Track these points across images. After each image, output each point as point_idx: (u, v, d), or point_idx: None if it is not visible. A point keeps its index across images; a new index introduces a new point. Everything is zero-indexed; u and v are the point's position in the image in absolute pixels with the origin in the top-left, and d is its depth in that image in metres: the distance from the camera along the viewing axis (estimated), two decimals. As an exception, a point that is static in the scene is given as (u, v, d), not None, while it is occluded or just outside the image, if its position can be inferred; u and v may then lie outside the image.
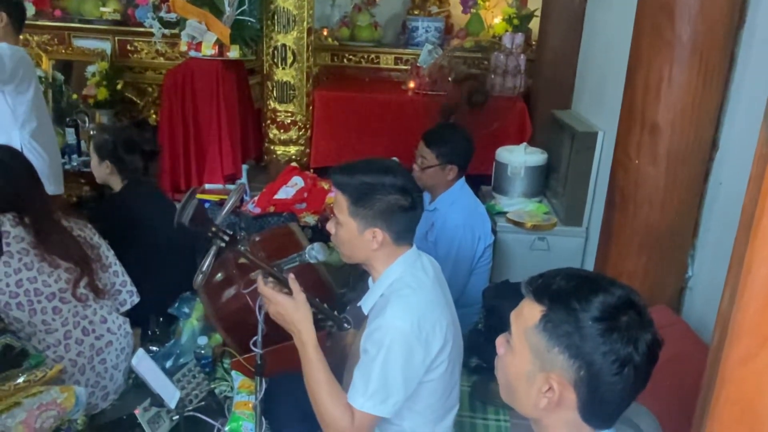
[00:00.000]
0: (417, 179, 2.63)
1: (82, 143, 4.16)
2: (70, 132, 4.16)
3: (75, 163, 4.04)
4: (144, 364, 1.96)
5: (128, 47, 4.70)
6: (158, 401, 1.97)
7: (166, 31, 4.44)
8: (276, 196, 3.64)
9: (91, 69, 4.47)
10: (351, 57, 5.04)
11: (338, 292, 2.67)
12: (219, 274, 2.51)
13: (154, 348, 2.46)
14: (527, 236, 3.35)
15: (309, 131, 4.23)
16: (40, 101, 3.02)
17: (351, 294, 2.82)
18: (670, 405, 1.78)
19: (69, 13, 4.72)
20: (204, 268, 1.59)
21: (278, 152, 4.22)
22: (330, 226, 1.68)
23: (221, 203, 3.58)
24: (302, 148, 4.22)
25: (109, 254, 2.37)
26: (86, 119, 4.38)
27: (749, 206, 0.94)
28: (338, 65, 5.07)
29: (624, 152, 2.13)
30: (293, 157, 4.20)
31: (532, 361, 1.02)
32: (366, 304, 1.70)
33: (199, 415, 2.09)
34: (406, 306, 1.54)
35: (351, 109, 4.28)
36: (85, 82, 4.50)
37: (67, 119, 4.24)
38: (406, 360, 1.51)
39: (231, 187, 4.09)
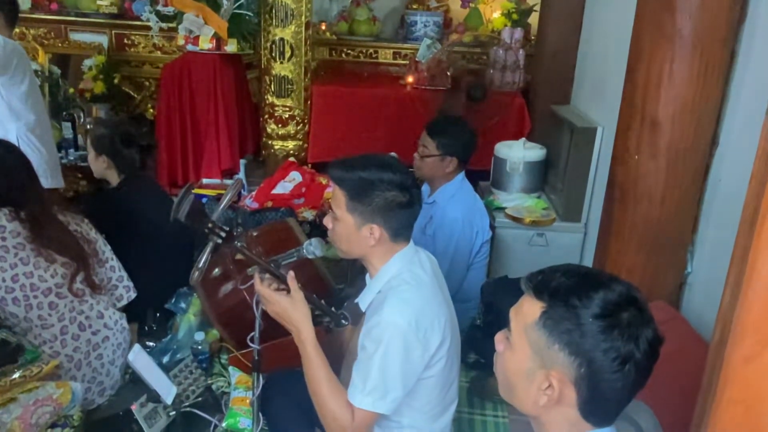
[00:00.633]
0: (416, 168, 2.64)
1: (79, 137, 4.13)
2: (66, 126, 4.14)
3: (72, 158, 4.02)
4: (140, 360, 1.95)
5: (125, 41, 4.68)
6: (154, 397, 1.96)
7: (164, 25, 4.41)
8: (274, 191, 3.63)
9: (87, 63, 4.44)
10: (349, 51, 5.02)
11: (336, 288, 2.66)
12: (216, 270, 2.50)
13: (151, 343, 2.45)
14: (526, 232, 3.35)
15: (307, 126, 4.21)
16: (36, 94, 3.00)
17: (349, 289, 2.81)
18: (669, 401, 1.77)
19: (65, 7, 4.70)
20: (200, 265, 1.57)
21: (276, 147, 4.20)
22: (327, 221, 1.67)
23: (219, 198, 3.57)
24: (300, 143, 4.21)
25: (105, 249, 2.36)
26: (82, 114, 4.35)
27: (751, 204, 0.93)
28: (336, 60, 5.05)
29: (624, 148, 2.11)
30: (291, 152, 4.18)
31: (531, 358, 1.01)
32: (363, 300, 1.69)
33: (195, 410, 2.08)
34: (404, 303, 1.53)
35: (349, 104, 4.26)
36: (82, 76, 4.47)
37: (64, 113, 4.22)
38: (405, 356, 1.50)
39: (228, 182, 4.08)
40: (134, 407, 1.93)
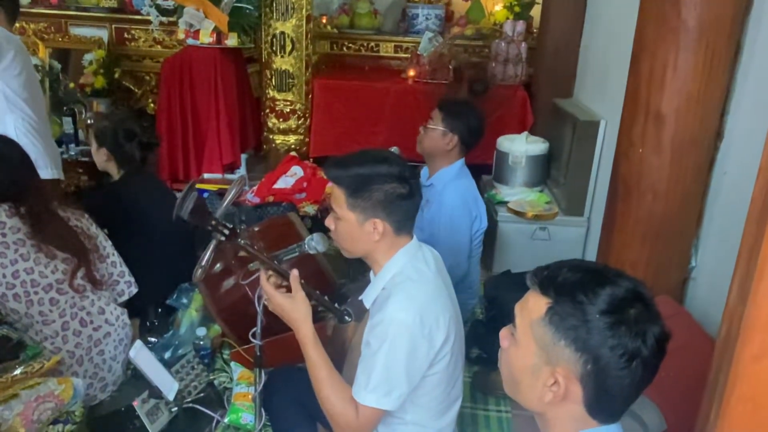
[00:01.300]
0: (418, 142, 2.67)
1: (80, 132, 4.12)
2: (67, 121, 4.13)
3: (72, 153, 4.01)
4: (142, 356, 1.95)
5: (125, 35, 4.66)
6: (156, 393, 1.95)
7: (164, 19, 4.38)
8: (275, 186, 3.61)
9: (88, 57, 4.42)
10: (350, 45, 4.99)
11: (338, 283, 2.65)
12: (218, 265, 2.49)
13: (153, 339, 2.44)
14: (528, 226, 3.33)
15: (308, 120, 4.20)
16: (33, 87, 2.99)
17: (351, 284, 2.80)
18: (673, 396, 1.77)
19: (65, 1, 4.67)
20: (203, 263, 1.56)
21: (277, 141, 4.18)
22: (329, 222, 1.64)
23: (220, 193, 3.56)
24: (301, 137, 4.19)
25: (106, 244, 2.35)
26: (84, 109, 4.34)
27: (758, 198, 0.92)
28: (338, 53, 5.02)
29: (627, 141, 2.10)
30: (292, 146, 4.17)
31: (537, 354, 1.00)
32: (367, 297, 1.67)
33: (197, 406, 2.07)
34: (409, 299, 1.52)
35: (350, 98, 4.24)
36: (83, 71, 4.46)
37: (65, 108, 4.21)
38: (410, 353, 1.49)
39: (230, 176, 4.06)
40: (136, 403, 1.93)
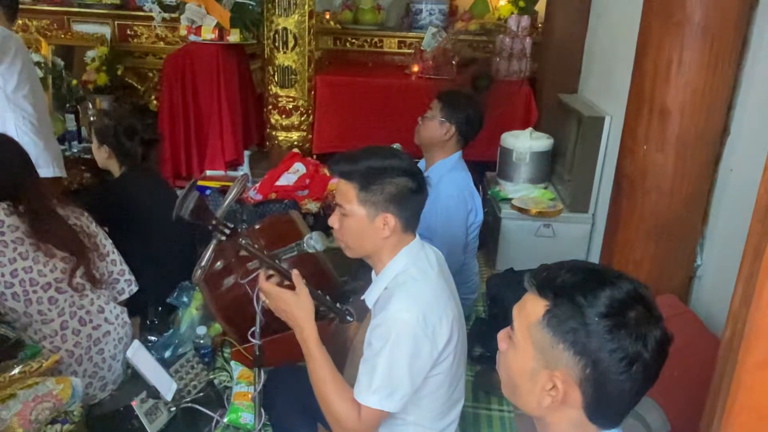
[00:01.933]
0: (416, 132, 2.67)
1: (83, 130, 4.12)
2: (70, 118, 4.12)
3: (75, 150, 4.00)
4: (139, 356, 1.93)
5: (128, 32, 4.65)
6: (154, 393, 1.94)
7: (166, 15, 4.38)
8: (277, 183, 3.60)
9: (90, 54, 4.41)
10: (354, 41, 4.96)
11: (340, 281, 2.63)
12: (218, 263, 2.47)
13: (153, 338, 2.43)
14: (532, 223, 3.31)
15: (311, 117, 4.17)
16: (34, 85, 2.98)
17: (353, 282, 2.78)
18: (677, 396, 1.74)
19: (68, -3, 4.67)
20: (203, 263, 1.54)
21: (280, 138, 4.16)
22: (333, 221, 1.60)
23: (223, 190, 3.55)
24: (304, 133, 4.17)
25: (106, 243, 2.34)
26: (91, 105, 4.33)
27: (765, 196, 0.89)
28: (341, 49, 4.99)
29: (632, 138, 2.06)
30: (295, 143, 4.15)
31: (535, 357, 0.98)
32: (369, 297, 1.65)
33: (197, 406, 2.06)
34: (412, 299, 1.50)
35: (353, 94, 4.21)
36: (85, 68, 4.45)
37: (67, 105, 4.20)
38: (413, 354, 1.47)
39: (233, 173, 4.05)
40: (134, 403, 1.92)
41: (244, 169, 4.03)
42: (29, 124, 2.87)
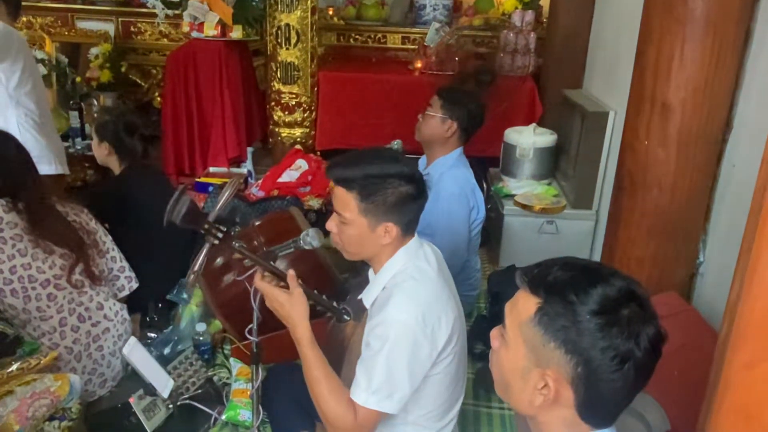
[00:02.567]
0: (417, 129, 2.64)
1: (86, 127, 4.12)
2: (73, 115, 4.12)
3: (79, 147, 4.00)
4: (136, 353, 1.93)
5: (132, 28, 4.66)
6: (151, 390, 1.94)
7: (170, 12, 4.38)
8: (280, 180, 3.59)
9: (94, 51, 4.42)
10: (357, 37, 4.94)
11: (341, 277, 2.61)
12: (218, 260, 2.47)
13: (153, 334, 2.42)
14: (535, 220, 3.28)
15: (314, 113, 4.16)
16: (36, 81, 2.98)
17: (354, 279, 2.77)
18: (679, 395, 1.72)
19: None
20: (196, 268, 1.53)
21: (283, 135, 4.16)
22: (331, 226, 1.58)
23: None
24: (307, 130, 4.16)
25: (106, 239, 2.34)
26: (96, 102, 4.34)
27: (761, 191, 0.87)
28: (344, 45, 4.97)
29: (633, 133, 2.04)
30: (298, 139, 4.14)
31: (526, 356, 0.97)
32: (367, 297, 1.63)
33: (195, 403, 2.05)
34: (410, 299, 1.48)
35: (356, 90, 4.19)
36: (89, 65, 4.46)
37: (71, 102, 4.20)
38: (412, 354, 1.45)
39: (236, 170, 4.05)
40: (132, 400, 1.91)
41: (247, 165, 4.02)
42: (31, 121, 2.87)
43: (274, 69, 4.02)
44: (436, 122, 2.55)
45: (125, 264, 2.39)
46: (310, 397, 1.54)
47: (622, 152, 2.14)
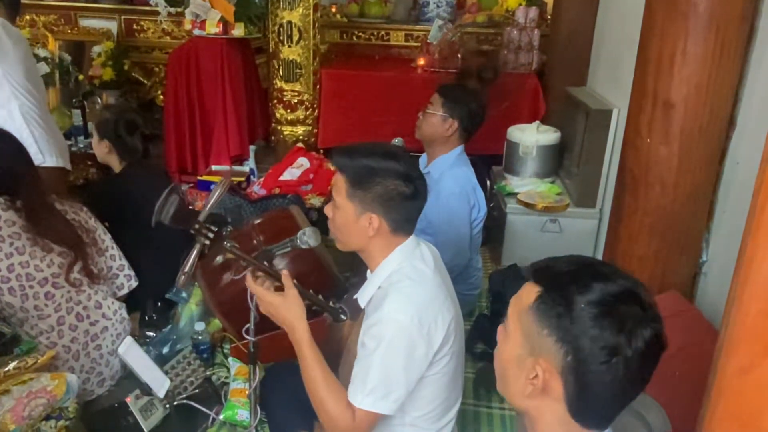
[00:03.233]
0: (417, 127, 2.64)
1: (89, 125, 4.12)
2: (76, 114, 4.13)
3: (81, 145, 4.01)
4: (132, 353, 1.92)
5: (134, 26, 4.66)
6: (147, 390, 1.93)
7: (172, 10, 4.36)
8: (281, 178, 3.58)
9: (97, 49, 4.42)
10: (360, 34, 4.92)
11: (342, 276, 2.60)
12: (218, 258, 2.45)
13: (151, 333, 2.42)
14: (538, 218, 3.26)
15: (316, 111, 4.14)
16: (36, 80, 2.98)
17: (354, 278, 2.75)
18: (680, 396, 1.70)
19: (75, -8, 4.68)
20: (186, 268, 1.52)
21: (285, 132, 4.14)
22: (328, 210, 1.62)
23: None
24: (310, 128, 4.15)
25: (105, 238, 2.33)
26: (100, 101, 4.34)
27: (758, 191, 0.85)
28: (348, 42, 4.95)
29: (635, 131, 2.01)
30: (300, 137, 4.13)
31: (522, 344, 0.98)
32: (363, 296, 1.62)
33: (192, 403, 2.04)
34: (406, 299, 1.47)
35: (359, 88, 4.18)
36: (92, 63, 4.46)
37: (74, 100, 4.21)
38: (408, 355, 1.44)
39: (238, 168, 4.04)
40: (129, 399, 1.90)
41: (250, 164, 4.01)
42: (35, 114, 2.87)
43: (276, 66, 4.01)
44: (436, 121, 2.54)
45: (125, 262, 2.38)
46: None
47: (624, 150, 2.12)
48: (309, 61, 3.97)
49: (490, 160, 3.80)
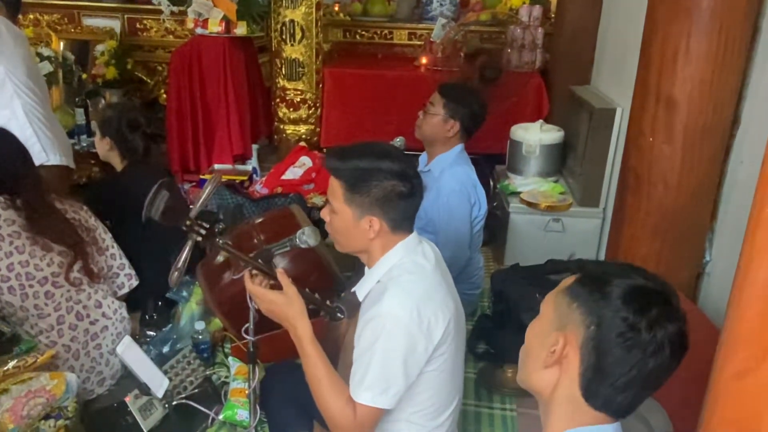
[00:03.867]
0: (417, 126, 2.62)
1: (93, 124, 4.12)
2: (79, 113, 4.13)
3: (84, 144, 4.01)
4: (130, 352, 1.92)
5: (138, 25, 4.66)
6: (146, 389, 1.92)
7: (175, 8, 4.36)
8: (283, 177, 3.58)
9: (100, 48, 4.42)
10: (363, 33, 4.90)
11: (343, 276, 2.59)
12: (219, 257, 2.44)
13: (152, 333, 2.41)
14: (541, 217, 3.24)
15: (319, 110, 4.13)
16: (37, 79, 2.98)
17: (356, 278, 2.74)
18: (683, 398, 1.68)
19: (78, -9, 4.68)
20: (179, 265, 1.52)
21: (288, 131, 4.13)
22: (325, 214, 1.60)
23: (229, 184, 3.53)
24: (312, 127, 4.14)
25: (106, 237, 2.33)
26: (104, 100, 4.34)
27: (760, 193, 0.83)
28: (351, 41, 4.93)
29: (638, 129, 1.99)
30: (303, 136, 4.12)
31: (551, 320, 1.04)
32: (361, 289, 1.62)
33: (191, 403, 2.04)
34: (406, 293, 1.46)
35: (362, 87, 4.16)
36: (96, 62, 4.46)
37: (77, 99, 4.21)
38: (407, 349, 1.44)
39: (241, 167, 4.03)
40: (128, 399, 1.90)
41: (252, 163, 4.00)
42: (38, 112, 2.87)
43: (279, 65, 4.00)
44: (437, 121, 2.52)
45: (125, 261, 2.38)
46: (310, 394, 1.52)
47: (626, 148, 2.10)
48: (312, 60, 3.96)
49: (493, 159, 3.79)
